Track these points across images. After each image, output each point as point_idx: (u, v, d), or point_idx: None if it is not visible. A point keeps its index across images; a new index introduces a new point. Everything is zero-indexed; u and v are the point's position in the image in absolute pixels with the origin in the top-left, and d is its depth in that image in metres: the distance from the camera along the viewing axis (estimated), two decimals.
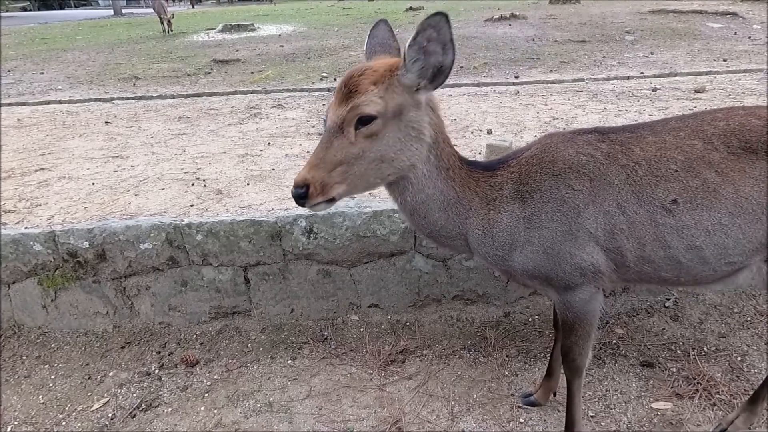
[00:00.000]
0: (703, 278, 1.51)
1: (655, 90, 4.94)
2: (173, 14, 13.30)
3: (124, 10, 25.69)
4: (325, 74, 7.07)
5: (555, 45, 8.51)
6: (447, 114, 4.45)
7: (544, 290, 1.63)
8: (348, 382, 2.11)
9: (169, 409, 1.98)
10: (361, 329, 2.43)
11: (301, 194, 1.28)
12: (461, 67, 7.05)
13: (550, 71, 6.45)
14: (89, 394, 2.11)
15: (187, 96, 6.22)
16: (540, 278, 1.53)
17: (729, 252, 1.45)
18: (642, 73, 5.99)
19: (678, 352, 2.17)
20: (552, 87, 5.54)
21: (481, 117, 4.24)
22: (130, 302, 2.45)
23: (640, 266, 1.50)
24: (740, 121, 1.44)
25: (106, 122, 4.98)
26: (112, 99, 6.18)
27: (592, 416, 1.88)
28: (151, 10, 17.14)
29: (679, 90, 4.89)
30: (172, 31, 12.71)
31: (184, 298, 2.40)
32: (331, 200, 1.32)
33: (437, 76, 1.29)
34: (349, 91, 1.29)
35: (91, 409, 2.02)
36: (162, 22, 13.15)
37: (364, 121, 1.28)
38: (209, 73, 7.91)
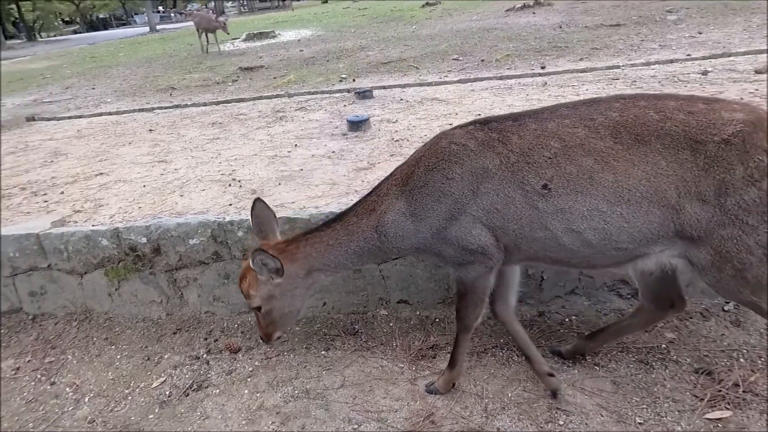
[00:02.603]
0: (595, 261, 1.56)
1: (705, 73, 4.42)
2: (226, 20, 12.14)
3: (158, 27, 25.94)
4: (344, 75, 7.10)
5: (585, 31, 7.87)
6: (470, 109, 4.28)
7: (443, 266, 1.89)
8: (380, 374, 2.20)
9: (217, 391, 2.21)
10: (391, 324, 2.51)
11: (263, 341, 1.97)
12: (482, 60, 6.80)
13: (581, 59, 6.00)
14: (149, 373, 2.38)
15: (217, 103, 6.40)
16: (436, 258, 1.77)
17: (614, 238, 1.45)
18: (689, 55, 5.33)
19: (741, 360, 1.97)
20: (583, 76, 5.17)
21: (507, 111, 4.11)
22: (180, 292, 2.61)
23: (527, 246, 1.58)
24: (636, 113, 1.42)
25: (150, 130, 5.19)
26: (153, 109, 6.42)
27: (640, 423, 1.78)
28: (179, 25, 16.86)
29: (735, 71, 4.35)
30: (211, 44, 11.49)
31: (227, 289, 2.55)
32: (279, 337, 1.96)
33: (278, 271, 1.76)
34: (244, 295, 1.87)
35: (151, 387, 2.28)
36: (200, 35, 11.79)
37: (257, 308, 1.86)
38: (236, 80, 8.06)
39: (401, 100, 5.23)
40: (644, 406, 1.84)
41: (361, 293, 2.58)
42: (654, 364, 2.02)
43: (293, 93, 6.37)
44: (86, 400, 2.22)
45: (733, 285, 1.42)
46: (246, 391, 2.15)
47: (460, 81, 5.83)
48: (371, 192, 1.80)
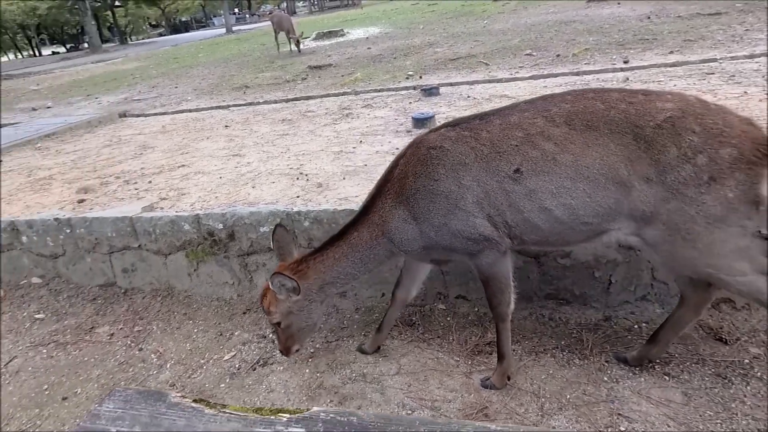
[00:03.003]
0: (568, 237, 1.76)
1: None
2: (302, 32, 12.16)
3: (234, 28, 27.98)
4: (410, 73, 7.27)
5: (678, 21, 7.47)
6: None
7: (460, 260, 2.03)
8: (435, 365, 2.31)
9: (281, 368, 2.44)
10: (448, 318, 2.61)
11: (283, 354, 2.20)
12: (558, 55, 6.65)
13: (670, 52, 5.75)
14: (221, 347, 2.64)
15: (287, 100, 6.84)
16: (449, 254, 1.96)
17: (580, 213, 1.67)
18: None
19: None
20: (672, 71, 4.96)
21: None
22: (250, 276, 2.89)
23: (511, 230, 1.78)
24: (585, 104, 1.66)
25: (226, 126, 5.67)
26: (229, 106, 6.99)
27: None
28: (254, 26, 17.88)
29: None
30: (299, 50, 11.60)
31: None
32: (298, 350, 2.22)
33: (295, 290, 1.98)
34: (264, 312, 2.10)
35: (223, 359, 2.53)
36: (277, 35, 12.14)
37: (277, 324, 2.09)
38: (305, 78, 8.53)
39: (468, 97, 5.30)
40: (718, 422, 1.80)
41: (420, 286, 2.72)
42: (733, 379, 1.96)
43: (360, 91, 6.67)
44: (168, 366, 2.56)
45: (687, 256, 1.61)
46: (307, 371, 2.37)
47: (532, 77, 5.77)
48: (365, 207, 2.02)
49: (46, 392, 2.52)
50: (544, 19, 9.88)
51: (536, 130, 1.67)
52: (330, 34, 14.34)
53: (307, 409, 1.22)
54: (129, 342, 2.81)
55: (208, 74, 10.65)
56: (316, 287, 2.06)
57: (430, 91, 5.68)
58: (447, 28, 11.46)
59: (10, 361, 2.80)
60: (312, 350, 2.51)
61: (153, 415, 1.30)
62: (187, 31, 45.84)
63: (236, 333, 2.73)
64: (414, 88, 6.16)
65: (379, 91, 6.48)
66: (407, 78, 6.96)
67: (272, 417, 1.21)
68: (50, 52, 41.32)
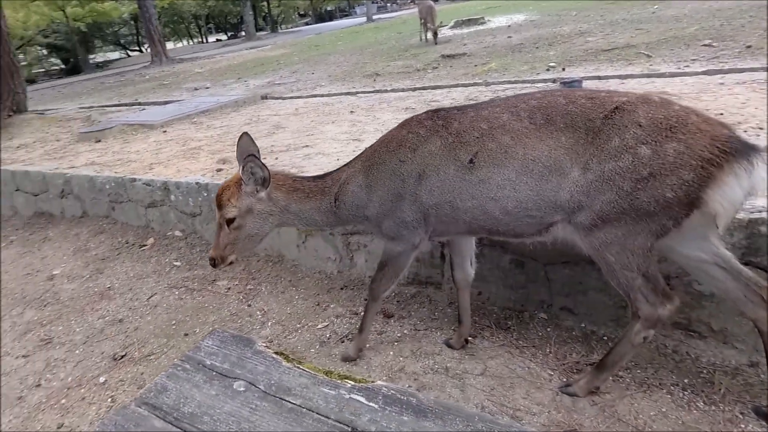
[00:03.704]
0: (517, 229, 1.85)
1: None
2: (441, 22, 12.09)
3: (374, 17, 29.29)
4: (552, 64, 6.86)
5: None
6: (709, 107, 3.71)
7: (378, 237, 2.20)
8: (524, 374, 2.24)
9: (367, 345, 2.55)
10: (548, 329, 2.50)
11: (212, 264, 2.15)
12: (747, 47, 5.69)
13: None
14: (316, 316, 2.86)
15: (414, 89, 6.97)
16: (375, 227, 2.12)
17: (524, 206, 1.76)
18: None
19: None
20: None
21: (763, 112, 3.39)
22: (351, 255, 3.08)
23: (462, 216, 1.89)
24: (550, 100, 1.75)
25: (351, 112, 6.02)
26: (357, 92, 7.38)
27: None
28: (394, 14, 18.33)
29: None
30: (436, 41, 11.49)
31: None
32: (230, 263, 2.17)
33: (265, 182, 2.06)
34: (219, 204, 2.10)
35: (316, 327, 2.74)
36: (425, 29, 12.08)
37: (230, 221, 2.07)
38: (436, 67, 8.58)
39: None
40: None
41: (521, 290, 2.62)
42: None
43: (492, 82, 6.52)
44: (269, 324, 2.87)
45: (603, 243, 1.66)
46: (391, 353, 2.46)
47: (706, 72, 5.03)
48: (346, 164, 2.18)
49: (174, 327, 3.02)
50: (737, 3, 8.51)
51: (499, 123, 1.79)
52: (469, 22, 14.19)
53: (372, 381, 1.30)
54: (241, 297, 3.22)
55: (343, 61, 11.38)
56: (282, 202, 2.13)
57: (570, 85, 5.31)
58: (605, 15, 10.56)
59: (152, 296, 3.41)
60: (399, 335, 2.59)
61: (240, 357, 1.49)
62: (331, 20, 49.31)
63: (332, 306, 2.94)
64: (553, 81, 5.83)
65: (513, 82, 6.26)
66: (548, 70, 6.59)
67: (338, 381, 1.31)
68: (214, 40, 48.02)
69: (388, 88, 7.34)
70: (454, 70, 8.00)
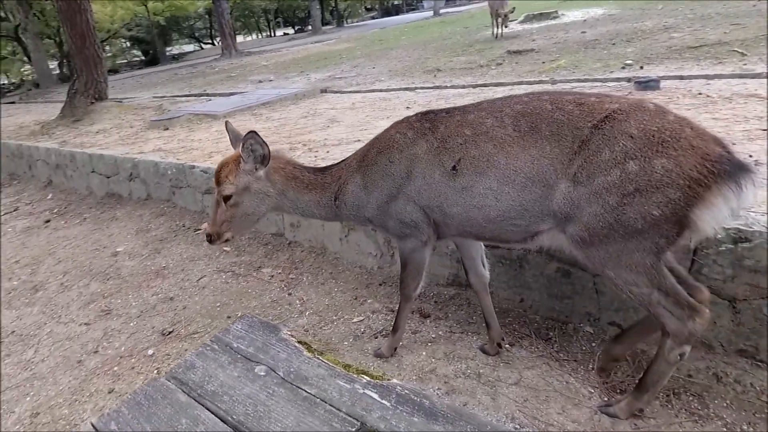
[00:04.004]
0: (503, 236, 1.85)
1: None
2: (513, 8, 11.58)
3: (441, 11, 29.04)
4: (629, 61, 6.48)
5: None
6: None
7: (391, 238, 2.23)
8: (562, 389, 2.16)
9: (400, 343, 2.55)
10: (593, 344, 2.39)
11: (208, 240, 2.18)
12: None
13: None
14: (353, 310, 2.91)
15: (475, 86, 6.86)
16: (381, 228, 2.16)
17: (507, 214, 1.75)
18: None
19: None
20: None
21: None
22: (391, 252, 3.10)
23: (450, 221, 1.92)
24: (535, 105, 1.71)
25: (407, 107, 6.02)
26: (416, 88, 7.35)
27: None
28: (462, 8, 17.89)
29: None
30: (505, 27, 11.26)
31: (432, 260, 2.87)
32: (226, 240, 2.20)
33: (264, 160, 2.08)
34: (217, 180, 2.12)
35: (352, 321, 2.79)
36: (496, 21, 11.61)
37: (227, 197, 2.10)
38: (500, 64, 8.38)
39: (699, 94, 4.49)
40: None
41: (566, 300, 2.52)
42: None
43: (559, 80, 6.26)
44: (307, 313, 2.95)
45: (597, 258, 1.65)
46: (424, 353, 2.45)
47: None
48: (343, 160, 2.21)
49: (218, 308, 3.19)
50: None
51: (483, 130, 1.77)
52: (540, 17, 13.69)
53: (388, 379, 1.30)
54: (283, 285, 3.32)
55: (405, 56, 11.39)
56: (280, 185, 2.14)
57: (646, 84, 5.00)
58: (696, 9, 9.82)
59: (201, 278, 3.61)
60: (434, 336, 2.57)
61: (265, 343, 1.55)
62: (397, 14, 49.46)
63: (369, 301, 2.97)
64: (628, 80, 5.51)
65: (582, 81, 5.98)
66: (623, 68, 6.23)
67: (354, 375, 1.32)
68: (282, 33, 49.76)
69: (448, 85, 7.26)
70: (519, 66, 7.77)
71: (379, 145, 2.07)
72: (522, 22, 13.67)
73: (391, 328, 2.44)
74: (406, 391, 1.25)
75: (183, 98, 10.44)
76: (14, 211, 6.26)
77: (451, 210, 1.89)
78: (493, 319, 2.35)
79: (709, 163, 1.46)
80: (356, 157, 2.17)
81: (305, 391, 1.31)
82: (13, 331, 3.36)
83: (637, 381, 1.96)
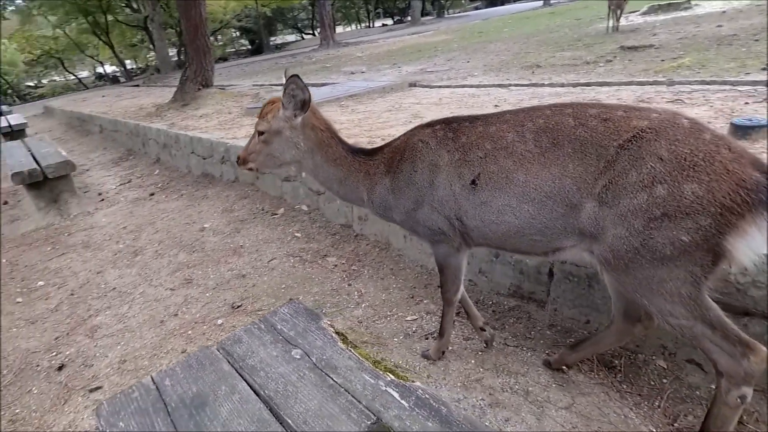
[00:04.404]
0: (523, 249, 1.88)
1: None
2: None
3: (552, 0, 27.66)
4: None
5: None
6: None
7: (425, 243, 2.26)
8: (618, 422, 2.04)
9: (451, 348, 2.57)
10: (664, 380, 2.21)
11: (237, 162, 2.33)
12: None
13: None
14: (408, 308, 2.98)
15: (575, 85, 6.51)
16: (412, 233, 2.21)
17: (525, 231, 1.78)
18: None
19: None
20: None
21: None
22: None
23: (470, 232, 1.95)
24: (558, 120, 1.70)
25: (495, 106, 5.90)
26: (509, 85, 7.15)
27: None
28: None
29: None
30: (618, 20, 10.40)
31: (493, 267, 2.84)
32: (250, 169, 2.32)
33: (304, 106, 2.11)
34: (260, 113, 2.24)
35: (405, 319, 2.85)
36: (613, 13, 10.68)
37: (260, 133, 2.22)
38: (610, 61, 7.85)
39: None
40: None
41: None
42: None
43: (678, 81, 5.67)
44: (363, 306, 3.05)
45: (626, 281, 1.63)
46: (473, 361, 2.44)
47: None
48: (375, 150, 2.23)
49: (282, 290, 3.41)
50: None
51: (503, 145, 1.78)
52: (668, 8, 12.42)
53: (411, 381, 1.34)
54: (344, 275, 3.47)
55: (504, 50, 11.06)
56: (310, 144, 2.19)
57: None
58: None
59: (271, 260, 3.88)
60: (485, 345, 2.55)
61: (305, 329, 1.66)
62: (503, 4, 47.96)
63: (425, 301, 3.00)
64: (766, 84, 4.90)
65: (708, 83, 5.36)
66: (763, 69, 5.55)
67: (380, 372, 1.38)
68: (380, 24, 50.65)
69: (545, 83, 6.95)
70: (632, 64, 7.18)
71: (404, 152, 2.09)
72: (644, 13, 12.56)
73: (438, 333, 2.47)
74: (426, 396, 1.28)
75: (279, 87, 11.10)
76: (128, 182, 7.13)
77: (470, 222, 1.92)
78: (470, 307, 2.50)
79: (743, 190, 1.39)
80: (383, 160, 2.19)
81: (332, 379, 1.39)
82: (114, 288, 3.87)
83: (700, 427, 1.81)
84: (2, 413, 2.63)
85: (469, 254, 3.02)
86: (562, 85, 6.64)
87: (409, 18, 38.83)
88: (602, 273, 1.72)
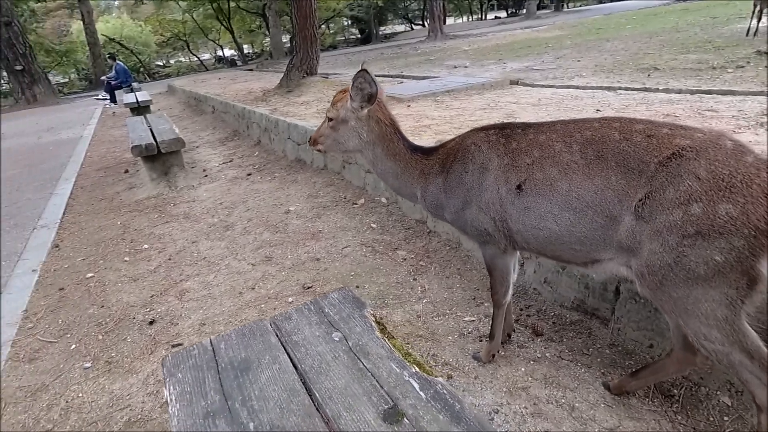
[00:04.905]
0: (561, 256, 1.98)
1: None
2: None
3: None
4: None
5: None
6: None
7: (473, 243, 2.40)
8: None
9: (503, 352, 2.58)
10: (725, 418, 2.07)
11: (309, 142, 2.56)
12: None
13: None
14: (468, 308, 3.05)
15: (693, 92, 5.98)
16: (462, 233, 2.29)
17: (565, 239, 1.86)
18: None
19: None
20: None
21: None
22: (522, 261, 3.08)
23: (512, 235, 2.04)
24: (604, 133, 1.76)
25: (597, 110, 5.60)
26: (618, 88, 6.76)
27: None
28: None
29: None
30: (759, 20, 9.05)
31: (559, 278, 2.80)
32: (319, 150, 2.53)
33: (371, 99, 2.26)
34: (331, 103, 2.41)
35: (463, 319, 2.94)
36: (755, 14, 9.34)
37: (329, 119, 2.40)
38: (742, 66, 7.07)
39: None
40: None
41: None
42: None
43: None
44: (424, 301, 3.16)
45: (664, 301, 1.67)
46: (523, 369, 2.45)
47: None
48: (432, 150, 2.32)
49: (351, 277, 3.62)
50: None
51: (550, 153, 1.85)
52: None
53: (435, 375, 1.42)
54: (411, 269, 3.59)
55: (621, 50, 10.35)
56: (373, 136, 2.33)
57: None
58: None
59: (345, 247, 4.11)
60: (539, 355, 2.54)
61: (349, 315, 1.81)
62: None
63: (486, 304, 3.03)
64: None
65: None
66: None
67: (407, 363, 1.49)
68: (493, 17, 49.42)
69: (660, 88, 6.44)
70: None
71: (457, 153, 2.19)
72: None
73: (488, 336, 2.52)
74: (445, 391, 1.35)
75: (380, 78, 11.42)
76: (230, 162, 7.86)
77: (513, 226, 2.02)
78: (509, 313, 2.58)
79: None
80: (438, 159, 2.29)
81: (362, 363, 1.52)
82: (205, 257, 4.35)
83: None
84: (101, 355, 3.11)
85: (536, 263, 3.01)
86: (679, 92, 6.12)
87: (524, 11, 37.48)
88: (640, 290, 1.74)
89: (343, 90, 2.40)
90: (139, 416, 2.52)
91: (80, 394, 2.75)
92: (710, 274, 1.51)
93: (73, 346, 3.23)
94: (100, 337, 3.31)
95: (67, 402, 2.70)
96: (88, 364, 3.01)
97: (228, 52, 45.41)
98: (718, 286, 1.51)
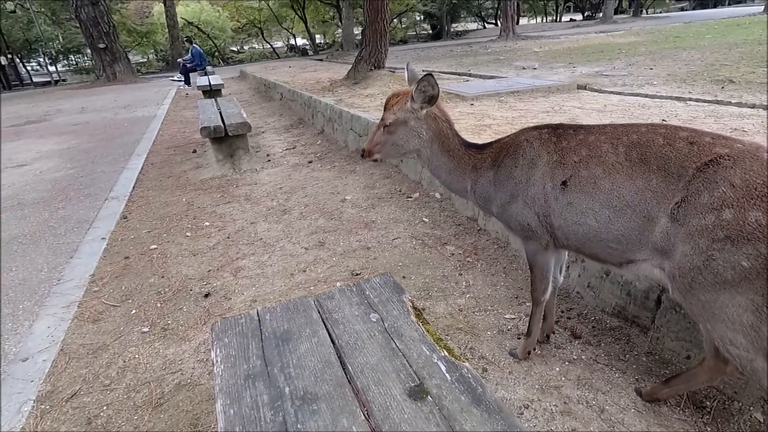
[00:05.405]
0: (599, 255, 2.01)
1: None
2: None
3: None
4: None
5: None
6: None
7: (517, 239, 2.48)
8: None
9: (539, 351, 2.61)
10: None
11: (361, 155, 2.53)
12: None
13: None
14: (510, 306, 3.10)
15: (767, 107, 5.54)
16: (507, 227, 2.33)
17: (603, 236, 1.91)
18: None
19: None
20: None
21: None
22: (568, 264, 3.04)
23: (554, 231, 2.09)
24: (649, 137, 1.81)
25: (663, 119, 5.37)
26: (688, 99, 6.42)
27: None
28: None
29: None
30: None
31: (602, 284, 2.76)
32: (375, 160, 2.53)
33: (431, 101, 2.30)
34: (385, 105, 2.42)
35: (504, 316, 2.99)
36: None
37: (387, 124, 2.39)
38: None
39: None
40: None
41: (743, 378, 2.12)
42: None
43: None
44: (467, 296, 3.21)
45: (693, 304, 1.69)
46: (557, 369, 2.47)
47: None
48: (485, 146, 2.38)
49: (399, 267, 3.72)
50: None
51: (597, 153, 1.90)
52: None
53: (462, 361, 1.49)
54: (458, 265, 3.64)
55: (696, 60, 9.73)
56: (431, 133, 2.38)
57: None
58: None
59: (396, 239, 4.21)
60: (575, 357, 2.55)
61: (388, 299, 1.90)
62: (716, 6, 41.18)
63: (527, 304, 3.04)
64: None
65: None
66: None
67: (437, 347, 1.56)
68: (568, 19, 47.41)
69: (732, 101, 6.04)
70: None
71: (509, 149, 2.24)
72: None
73: (525, 333, 2.55)
74: (469, 375, 1.42)
75: (446, 75, 11.38)
76: (293, 148, 8.17)
77: (555, 222, 2.06)
78: (551, 315, 2.62)
79: None
80: (491, 154, 2.34)
81: (395, 343, 1.61)
82: (261, 238, 4.60)
83: None
84: (158, 321, 3.36)
85: (581, 268, 2.97)
86: (752, 106, 5.74)
87: (600, 14, 35.76)
88: (671, 293, 1.76)
89: (396, 94, 2.45)
90: (189, 380, 2.73)
91: (137, 356, 2.99)
92: (737, 279, 1.54)
93: (133, 311, 3.50)
94: (159, 305, 3.56)
95: (124, 361, 2.94)
96: (146, 329, 3.26)
97: (300, 41, 46.55)
98: (744, 291, 1.54)
